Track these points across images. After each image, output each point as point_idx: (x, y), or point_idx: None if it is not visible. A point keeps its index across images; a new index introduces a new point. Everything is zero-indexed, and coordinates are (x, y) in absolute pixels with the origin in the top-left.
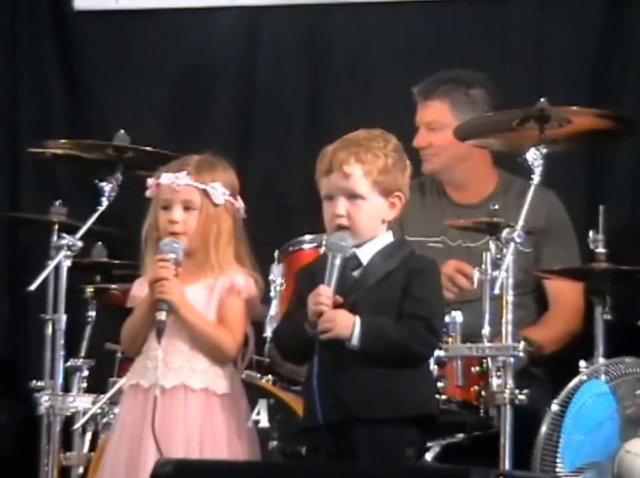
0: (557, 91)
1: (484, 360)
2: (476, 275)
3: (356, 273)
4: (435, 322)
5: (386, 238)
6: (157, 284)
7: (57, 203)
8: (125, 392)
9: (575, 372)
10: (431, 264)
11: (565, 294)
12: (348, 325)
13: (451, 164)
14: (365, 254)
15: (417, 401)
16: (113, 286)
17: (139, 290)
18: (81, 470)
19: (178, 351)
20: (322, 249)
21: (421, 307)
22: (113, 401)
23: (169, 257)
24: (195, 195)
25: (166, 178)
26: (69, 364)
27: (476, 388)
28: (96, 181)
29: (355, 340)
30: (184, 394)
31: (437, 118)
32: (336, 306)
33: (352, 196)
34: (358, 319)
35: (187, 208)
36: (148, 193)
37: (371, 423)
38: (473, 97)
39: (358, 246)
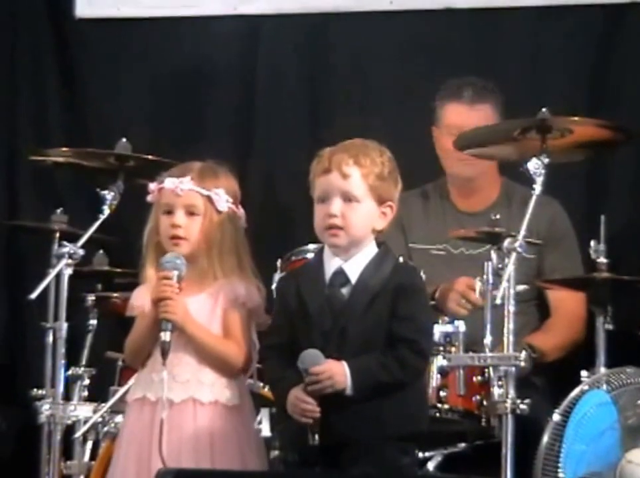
0: (555, 101)
1: (486, 370)
2: (478, 284)
3: (345, 291)
4: (422, 343)
5: (371, 249)
6: (161, 304)
7: (58, 211)
8: (130, 405)
9: (577, 381)
10: (415, 278)
11: (567, 303)
12: (341, 379)
13: (484, 172)
14: (352, 270)
15: (408, 421)
16: (115, 294)
17: (139, 299)
18: None
19: (185, 364)
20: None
21: (408, 327)
22: (114, 410)
23: (172, 274)
24: (198, 200)
25: (170, 182)
26: (70, 372)
27: (477, 397)
28: (98, 189)
29: (349, 391)
30: (193, 407)
31: (487, 121)
32: (325, 328)
33: (348, 197)
34: (347, 369)
35: (190, 213)
36: (149, 198)
37: (366, 445)
38: (502, 105)
39: (345, 259)
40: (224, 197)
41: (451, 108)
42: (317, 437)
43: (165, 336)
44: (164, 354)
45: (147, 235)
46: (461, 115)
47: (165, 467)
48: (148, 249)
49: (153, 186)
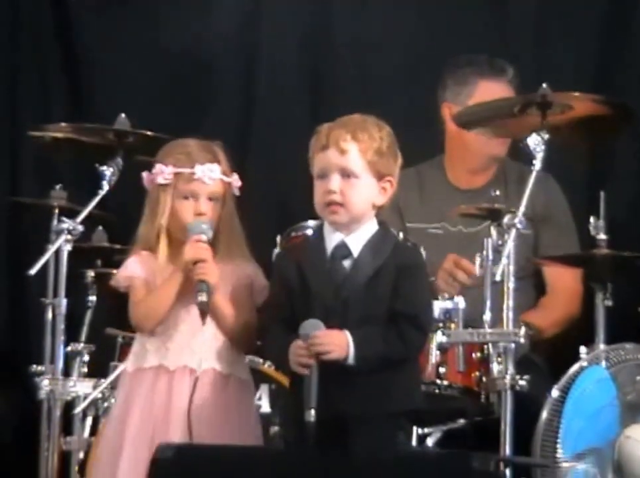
0: (557, 78)
1: (485, 346)
2: (477, 261)
3: (346, 264)
4: (422, 319)
5: (372, 225)
6: (198, 266)
7: (57, 187)
8: (137, 374)
9: (576, 358)
10: (417, 256)
11: (563, 279)
12: (344, 346)
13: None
14: (354, 243)
15: (405, 396)
16: (114, 271)
17: (136, 269)
18: (81, 455)
19: (204, 334)
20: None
21: (408, 304)
22: (114, 386)
23: (204, 238)
24: (220, 187)
25: (200, 170)
26: (69, 348)
27: (477, 373)
28: (97, 165)
29: (351, 360)
30: (213, 377)
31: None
32: (327, 302)
33: (347, 173)
34: (350, 339)
35: (210, 199)
36: (161, 180)
37: (364, 419)
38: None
39: (346, 234)
40: (238, 182)
41: (487, 85)
42: (313, 412)
43: (203, 296)
44: (204, 315)
45: (161, 217)
46: (493, 93)
47: (191, 435)
48: (160, 232)
49: (166, 169)
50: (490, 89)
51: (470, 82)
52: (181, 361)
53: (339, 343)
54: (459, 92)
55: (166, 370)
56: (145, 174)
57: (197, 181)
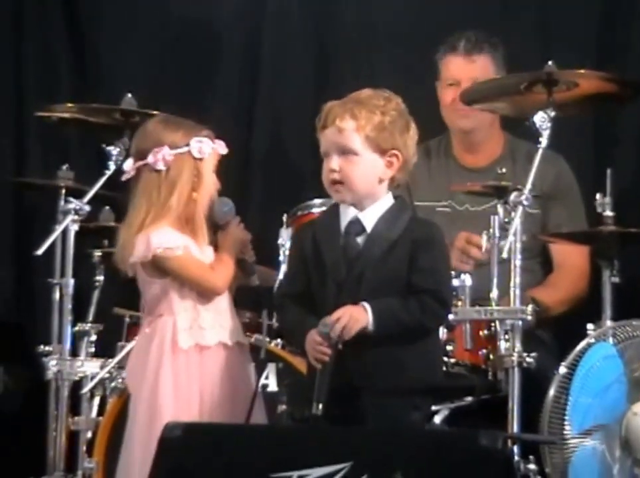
0: (562, 55)
1: (492, 324)
2: (484, 238)
3: (360, 240)
4: (444, 292)
5: (386, 200)
6: (249, 247)
7: (64, 167)
8: (205, 351)
9: (583, 335)
10: (434, 230)
11: (571, 257)
12: (363, 314)
13: (482, 125)
14: (368, 219)
15: (424, 371)
16: None
17: (178, 238)
18: (89, 434)
19: (231, 310)
20: None
21: (429, 279)
22: (122, 366)
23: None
24: None
25: (223, 146)
26: (77, 328)
27: (484, 351)
28: (103, 145)
29: (371, 326)
30: (241, 351)
31: (485, 73)
32: (339, 277)
33: (345, 151)
34: (368, 306)
35: None
36: (206, 153)
37: (378, 393)
38: (504, 60)
39: (360, 210)
40: None
41: (447, 61)
42: (320, 406)
43: (257, 280)
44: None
45: (203, 189)
46: (457, 67)
47: (250, 413)
48: (197, 204)
49: (211, 142)
50: (450, 66)
51: (440, 60)
52: (236, 337)
53: (355, 314)
54: (439, 71)
55: (225, 346)
56: (188, 145)
57: (217, 156)
